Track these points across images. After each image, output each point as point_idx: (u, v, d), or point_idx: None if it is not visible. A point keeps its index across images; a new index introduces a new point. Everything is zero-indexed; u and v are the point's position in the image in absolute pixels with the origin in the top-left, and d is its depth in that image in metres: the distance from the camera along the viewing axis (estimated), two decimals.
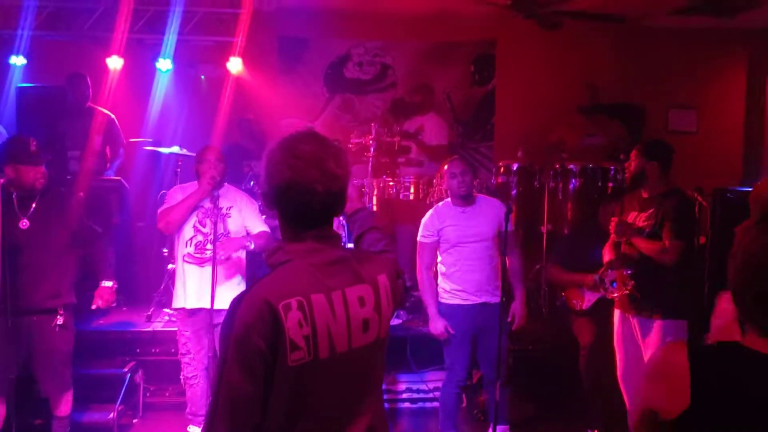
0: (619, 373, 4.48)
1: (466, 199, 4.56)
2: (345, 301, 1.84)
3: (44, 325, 4.14)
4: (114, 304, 4.51)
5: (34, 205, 4.13)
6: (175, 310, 4.79)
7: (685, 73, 8.07)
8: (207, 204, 4.54)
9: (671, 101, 8.21)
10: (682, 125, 8.17)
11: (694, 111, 8.27)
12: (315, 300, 1.78)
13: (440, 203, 4.78)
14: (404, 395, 5.59)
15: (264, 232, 4.69)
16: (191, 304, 4.55)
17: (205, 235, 4.55)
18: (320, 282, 1.82)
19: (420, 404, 5.61)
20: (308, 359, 1.74)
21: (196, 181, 4.66)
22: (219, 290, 4.36)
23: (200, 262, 4.54)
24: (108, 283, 4.41)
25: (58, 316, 4.14)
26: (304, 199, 1.83)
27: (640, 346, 4.32)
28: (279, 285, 1.77)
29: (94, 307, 4.39)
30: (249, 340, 1.69)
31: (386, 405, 5.37)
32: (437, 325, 4.56)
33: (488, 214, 4.57)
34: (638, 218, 4.28)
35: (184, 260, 4.59)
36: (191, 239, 4.58)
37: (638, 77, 7.87)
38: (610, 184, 6.11)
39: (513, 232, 4.68)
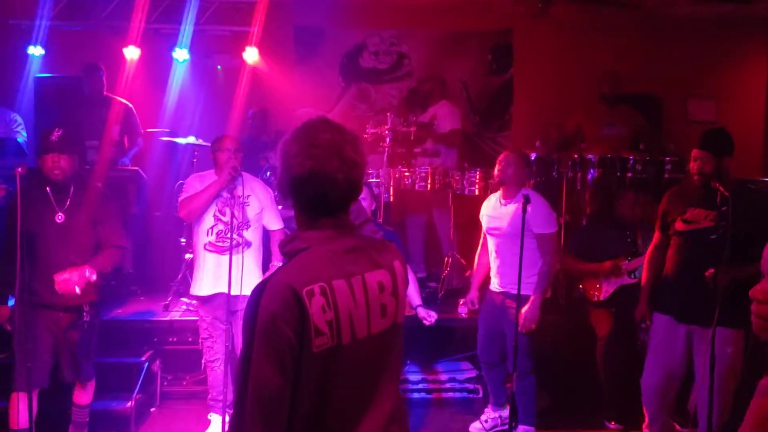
0: (652, 382, 4.17)
1: (505, 189, 4.74)
2: (365, 286, 1.84)
3: (69, 321, 4.12)
4: (76, 293, 3.93)
5: (69, 200, 4.09)
6: (194, 297, 4.82)
7: (705, 62, 7.97)
8: (226, 193, 4.59)
9: (690, 91, 8.11)
10: (701, 115, 8.07)
11: (713, 101, 8.16)
12: (337, 285, 1.78)
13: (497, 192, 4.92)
14: (420, 386, 5.60)
15: (281, 231, 4.82)
16: (209, 290, 4.59)
17: (225, 223, 4.59)
18: (340, 268, 1.81)
19: (435, 395, 5.61)
20: (332, 344, 1.74)
21: (212, 170, 4.71)
22: (244, 278, 4.41)
23: (221, 251, 4.58)
24: (87, 273, 3.95)
25: (85, 313, 4.11)
26: (324, 189, 1.82)
27: (682, 357, 4.03)
28: (301, 271, 1.76)
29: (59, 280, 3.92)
30: (276, 330, 1.67)
31: (403, 395, 5.40)
32: (467, 296, 4.96)
33: (517, 212, 4.52)
34: (706, 216, 3.90)
35: (205, 248, 4.63)
36: (212, 228, 4.62)
37: (657, 66, 7.77)
38: (629, 175, 6.05)
39: (548, 235, 4.58)
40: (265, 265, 4.89)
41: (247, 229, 4.63)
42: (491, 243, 4.81)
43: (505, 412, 4.90)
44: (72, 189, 4.12)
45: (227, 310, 4.53)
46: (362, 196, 4.69)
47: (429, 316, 4.71)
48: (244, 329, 1.73)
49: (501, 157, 4.80)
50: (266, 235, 4.87)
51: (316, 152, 1.81)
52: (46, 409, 4.29)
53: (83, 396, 4.35)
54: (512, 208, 4.63)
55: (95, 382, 4.40)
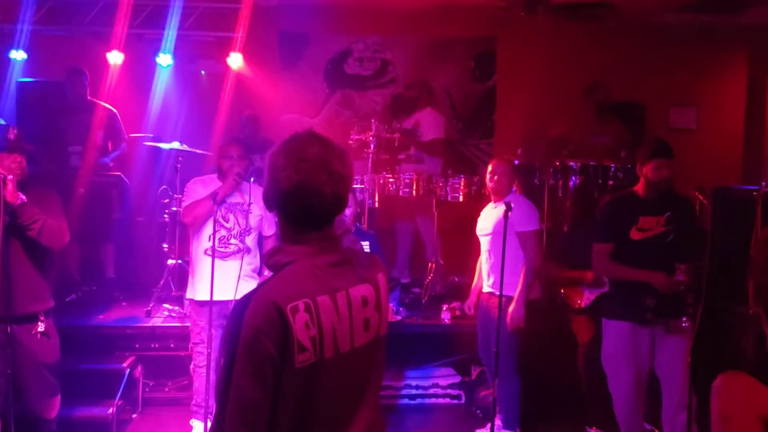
0: (626, 389, 4.27)
1: (496, 196, 4.84)
2: (349, 301, 1.85)
3: (25, 333, 3.86)
4: (20, 201, 3.72)
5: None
6: (191, 301, 4.80)
7: (686, 70, 8.05)
8: (232, 199, 4.64)
9: (672, 99, 8.19)
10: (682, 123, 8.17)
11: (694, 108, 8.26)
12: (321, 301, 1.78)
13: None
14: (404, 391, 5.61)
15: (273, 237, 4.87)
16: (208, 295, 4.51)
17: (228, 229, 4.64)
18: (325, 283, 1.81)
19: (419, 400, 5.62)
20: (314, 360, 1.74)
21: (214, 175, 4.74)
22: (242, 283, 4.46)
23: (223, 256, 4.59)
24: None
25: (39, 323, 3.88)
26: (311, 202, 1.82)
27: (649, 358, 4.22)
28: (285, 287, 1.76)
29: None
30: (259, 345, 1.67)
31: (386, 401, 5.41)
32: (466, 302, 5.11)
33: (495, 214, 4.73)
34: (657, 222, 4.14)
35: (206, 254, 4.60)
36: (214, 233, 4.58)
37: (639, 74, 7.85)
38: (611, 182, 6.10)
39: (528, 233, 4.69)
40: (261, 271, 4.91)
41: (249, 235, 4.69)
42: (483, 245, 4.91)
43: None
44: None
45: (224, 315, 4.52)
46: (351, 201, 4.76)
47: None
48: (226, 342, 1.72)
49: (493, 167, 4.86)
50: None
51: (304, 166, 1.81)
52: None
53: (48, 411, 4.11)
54: (500, 209, 4.66)
55: (74, 387, 4.27)
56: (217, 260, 4.55)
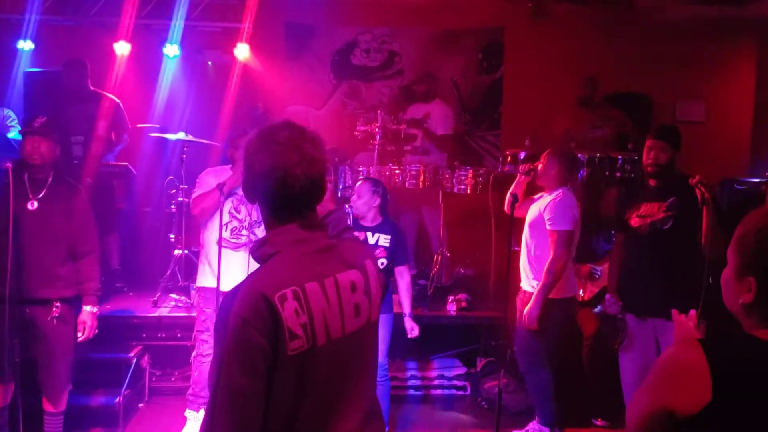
0: (630, 379, 4.22)
1: (544, 187, 4.71)
2: (337, 287, 1.86)
3: (40, 316, 3.94)
4: (96, 332, 4.14)
5: (45, 189, 3.96)
6: (198, 289, 4.74)
7: (694, 63, 8.01)
8: (241, 191, 4.59)
9: (679, 92, 8.15)
10: (690, 115, 8.12)
11: (702, 101, 8.22)
12: (309, 288, 1.79)
13: None
14: (409, 382, 5.62)
15: None
16: (223, 286, 4.50)
17: (240, 220, 4.63)
18: (312, 270, 1.83)
19: (424, 391, 5.64)
20: (306, 347, 1.75)
21: (228, 166, 4.71)
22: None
23: (235, 247, 4.60)
24: (90, 308, 4.13)
25: (54, 308, 3.94)
26: (284, 184, 1.83)
27: (654, 350, 4.09)
28: (272, 277, 1.77)
29: (80, 338, 4.08)
30: (248, 337, 1.67)
31: (391, 392, 5.42)
32: None
33: (537, 206, 4.56)
34: (658, 209, 4.04)
35: (218, 243, 4.59)
36: (227, 224, 4.61)
37: (647, 67, 7.82)
38: (618, 174, 6.07)
39: (556, 232, 4.42)
40: None
41: (259, 227, 4.64)
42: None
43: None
44: (50, 179, 4.01)
45: None
46: (365, 191, 4.74)
47: (411, 330, 4.68)
48: (216, 334, 1.74)
49: (541, 157, 4.71)
50: None
51: (276, 148, 1.84)
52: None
53: (55, 403, 4.13)
54: (541, 202, 4.62)
55: (81, 376, 4.23)
56: (228, 251, 4.57)
